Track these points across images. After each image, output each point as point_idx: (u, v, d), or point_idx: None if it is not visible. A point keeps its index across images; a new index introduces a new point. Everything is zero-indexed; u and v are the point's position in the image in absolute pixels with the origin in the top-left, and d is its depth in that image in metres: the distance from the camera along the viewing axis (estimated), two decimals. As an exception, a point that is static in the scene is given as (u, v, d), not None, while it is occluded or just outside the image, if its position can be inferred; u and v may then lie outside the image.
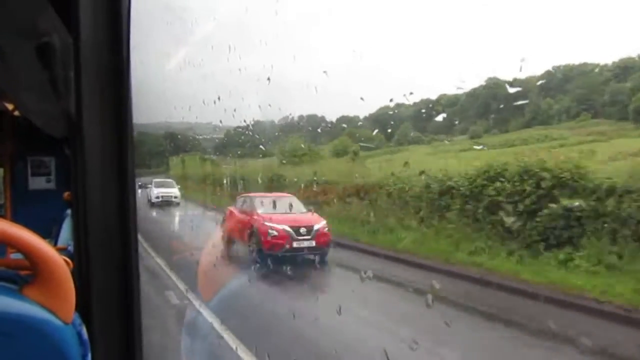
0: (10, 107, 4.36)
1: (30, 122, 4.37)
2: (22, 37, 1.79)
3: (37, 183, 6.49)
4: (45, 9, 1.46)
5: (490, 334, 6.17)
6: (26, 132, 5.09)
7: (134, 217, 1.17)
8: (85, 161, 1.14)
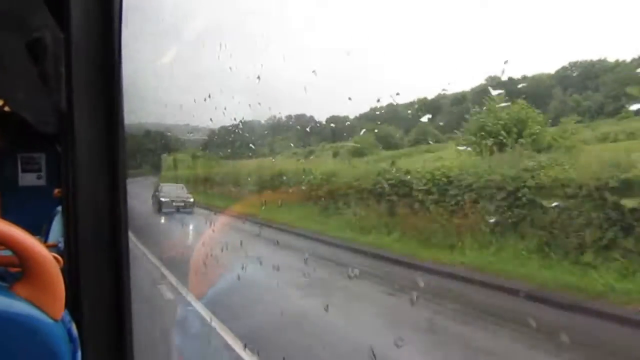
0: (0, 102, 4.32)
1: (21, 118, 4.33)
2: (13, 32, 1.78)
3: (28, 179, 6.43)
4: (37, 4, 1.45)
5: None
6: (16, 128, 5.05)
7: (125, 213, 1.17)
8: (76, 157, 1.13)
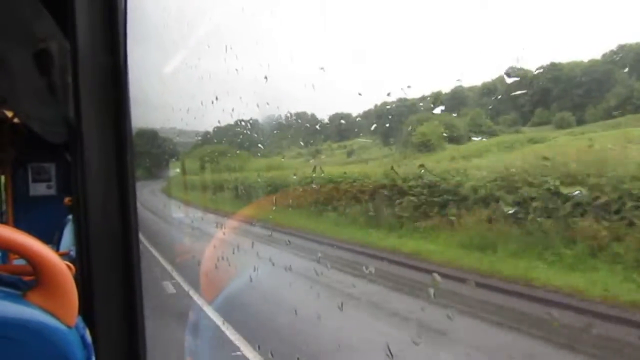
0: (9, 114, 4.37)
1: (30, 129, 4.38)
2: (20, 44, 1.80)
3: (38, 189, 6.51)
4: (42, 15, 1.46)
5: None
6: (26, 139, 5.11)
7: (135, 220, 1.18)
8: (85, 166, 1.14)
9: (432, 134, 12.53)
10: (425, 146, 12.52)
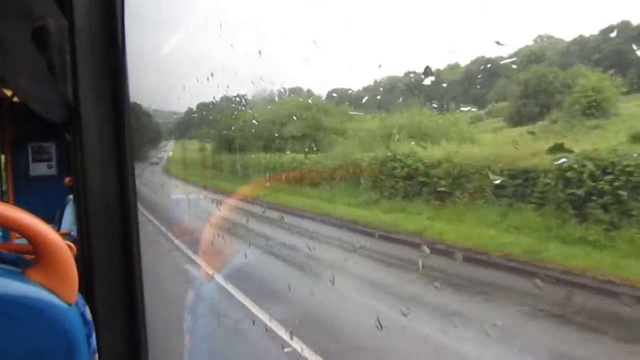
0: (8, 93, 4.35)
1: (30, 108, 4.36)
2: (19, 22, 1.78)
3: (39, 169, 6.49)
4: None
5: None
6: (26, 118, 5.09)
7: (134, 199, 1.18)
8: (84, 145, 1.14)
9: (606, 92, 8.83)
10: (597, 110, 8.84)
